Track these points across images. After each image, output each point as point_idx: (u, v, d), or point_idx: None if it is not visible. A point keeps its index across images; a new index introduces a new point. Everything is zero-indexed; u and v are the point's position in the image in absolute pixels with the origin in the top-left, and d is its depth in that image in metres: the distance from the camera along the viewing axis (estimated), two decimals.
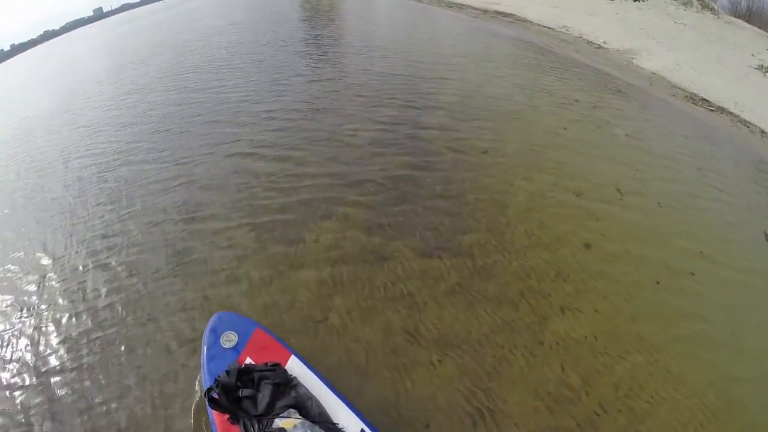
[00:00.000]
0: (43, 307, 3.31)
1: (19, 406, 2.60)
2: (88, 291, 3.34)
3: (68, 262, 3.74)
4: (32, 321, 3.20)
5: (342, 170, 4.35)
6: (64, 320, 3.14)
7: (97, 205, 4.59)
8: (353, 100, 6.28)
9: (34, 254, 3.98)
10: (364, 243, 3.32)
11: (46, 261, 3.83)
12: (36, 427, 2.47)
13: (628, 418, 2.35)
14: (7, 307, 3.42)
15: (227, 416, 2.03)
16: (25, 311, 3.32)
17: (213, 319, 2.54)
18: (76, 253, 3.83)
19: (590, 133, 5.25)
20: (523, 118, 5.54)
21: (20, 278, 3.72)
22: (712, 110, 7.48)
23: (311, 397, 2.10)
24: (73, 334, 3.01)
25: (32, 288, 3.54)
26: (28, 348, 2.99)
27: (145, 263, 3.50)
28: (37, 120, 9.43)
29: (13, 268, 3.88)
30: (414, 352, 2.57)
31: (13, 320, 3.27)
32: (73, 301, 3.28)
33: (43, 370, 2.79)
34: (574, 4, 13.45)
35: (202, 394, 2.17)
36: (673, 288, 3.16)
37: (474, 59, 8.25)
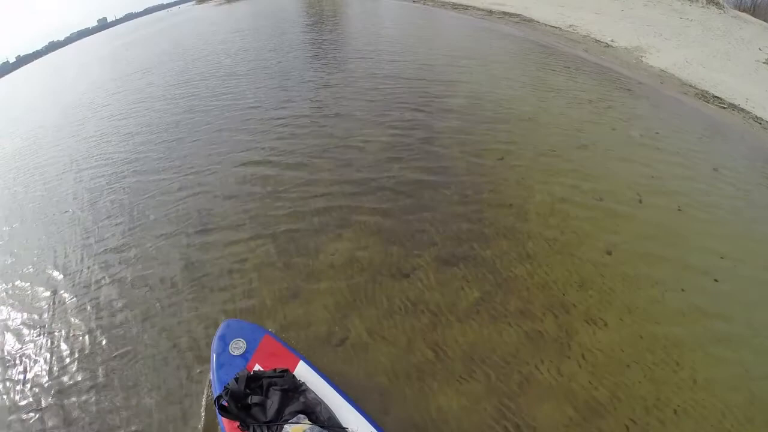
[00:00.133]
0: (55, 322, 3.28)
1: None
2: (100, 307, 3.31)
3: (80, 277, 3.71)
4: (44, 338, 3.17)
5: (356, 179, 4.29)
6: (76, 336, 3.11)
7: (107, 218, 4.56)
8: (363, 105, 6.22)
9: (45, 269, 3.95)
10: (382, 256, 3.24)
11: (57, 276, 3.80)
12: None
13: (658, 429, 2.28)
14: (19, 324, 3.39)
15: (237, 423, 2.03)
16: (37, 328, 3.28)
17: (222, 326, 2.55)
18: (88, 268, 3.79)
19: (606, 134, 5.17)
20: (537, 120, 5.46)
21: (32, 294, 3.69)
22: (723, 107, 7.37)
23: (320, 402, 2.10)
24: (86, 349, 2.99)
25: (44, 304, 3.51)
26: (42, 364, 2.96)
27: (157, 278, 3.46)
28: (44, 131, 9.44)
29: (24, 284, 3.85)
30: (439, 370, 2.50)
31: (26, 338, 3.23)
32: (85, 317, 3.25)
33: (57, 384, 2.77)
34: (579, 2, 13.36)
35: (212, 402, 2.16)
36: (696, 292, 3.08)
37: (483, 60, 8.18)
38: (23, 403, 2.73)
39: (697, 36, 11.41)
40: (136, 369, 2.77)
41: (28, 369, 2.98)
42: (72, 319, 3.31)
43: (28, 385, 2.84)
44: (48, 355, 3.03)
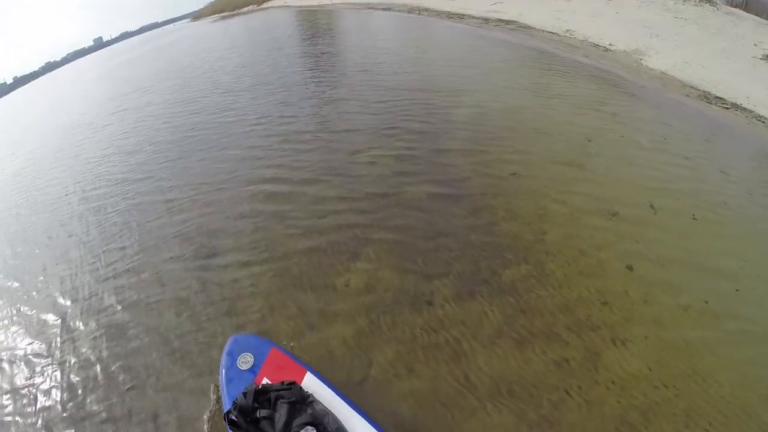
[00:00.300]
0: (63, 350, 3.25)
1: None
2: (108, 335, 3.26)
3: (87, 303, 3.67)
4: (52, 366, 3.13)
5: (366, 198, 4.23)
6: (84, 362, 3.09)
7: (113, 241, 4.53)
8: (368, 119, 6.17)
9: (50, 297, 3.90)
10: (398, 283, 3.16)
11: (64, 302, 3.77)
12: None
13: None
14: (26, 352, 3.35)
15: None
16: (44, 356, 3.25)
17: (229, 341, 2.58)
18: (96, 294, 3.75)
19: (614, 143, 5.13)
20: (544, 131, 5.41)
21: (38, 320, 3.65)
22: (726, 108, 7.35)
23: (328, 413, 2.09)
24: (96, 375, 2.96)
25: (51, 331, 3.48)
26: (51, 392, 2.95)
27: (165, 306, 3.41)
28: (45, 152, 9.47)
29: (30, 312, 3.81)
30: (465, 402, 2.43)
31: (34, 366, 3.20)
32: (93, 345, 3.21)
33: (69, 413, 2.74)
34: (573, 7, 13.40)
35: (222, 418, 2.16)
36: (718, 303, 3.02)
37: (484, 69, 8.17)
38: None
39: (693, 35, 11.44)
40: (149, 395, 2.75)
41: (37, 398, 2.95)
42: (80, 346, 3.27)
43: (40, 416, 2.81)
44: (57, 383, 3.00)
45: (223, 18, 40.83)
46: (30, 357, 3.32)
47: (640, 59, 8.95)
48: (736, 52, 10.50)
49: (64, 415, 2.78)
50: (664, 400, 2.46)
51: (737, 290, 3.18)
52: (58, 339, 3.39)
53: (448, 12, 15.06)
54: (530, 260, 3.27)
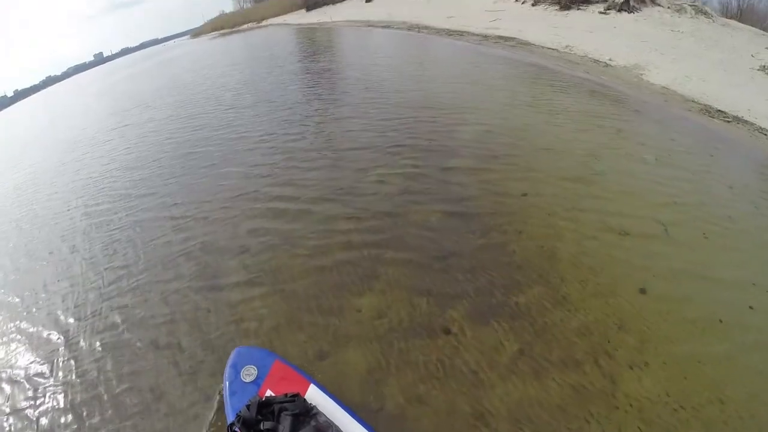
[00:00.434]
0: (64, 371, 3.19)
1: None
2: (105, 370, 3.15)
3: (81, 335, 3.55)
4: (48, 401, 3.04)
5: (375, 222, 4.17)
6: (87, 386, 3.03)
7: (108, 267, 4.43)
8: (373, 138, 6.16)
9: (44, 324, 3.81)
10: (411, 311, 3.09)
11: (58, 332, 3.67)
12: None
13: None
14: (25, 376, 3.27)
15: None
16: (44, 378, 3.19)
17: (233, 354, 2.60)
18: (91, 325, 3.64)
19: (621, 160, 5.13)
20: (550, 148, 5.41)
21: (38, 340, 3.59)
22: (728, 121, 7.39)
23: (331, 425, 2.10)
24: (100, 398, 2.92)
25: (52, 351, 3.41)
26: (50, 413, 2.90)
27: (168, 336, 3.32)
28: (46, 166, 9.46)
29: (31, 329, 3.75)
30: None
31: (34, 387, 3.14)
32: (96, 368, 3.15)
33: None
34: (570, 22, 13.61)
35: (226, 430, 2.17)
36: (733, 323, 2.99)
37: (486, 86, 8.23)
38: None
39: (691, 48, 11.58)
40: (153, 415, 2.73)
41: (38, 420, 2.89)
42: (83, 368, 3.21)
43: None
44: (58, 404, 2.96)
45: (223, 35, 41.31)
46: (31, 377, 3.26)
47: (641, 74, 9.02)
48: (733, 63, 10.63)
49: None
50: (682, 422, 2.42)
51: (751, 307, 3.15)
52: (56, 359, 3.32)
53: (447, 29, 15.24)
54: (544, 283, 3.23)
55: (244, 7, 50.42)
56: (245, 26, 41.70)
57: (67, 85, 50.43)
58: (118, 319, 3.63)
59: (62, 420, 2.85)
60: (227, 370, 2.51)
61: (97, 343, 3.42)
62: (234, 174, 5.94)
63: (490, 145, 5.60)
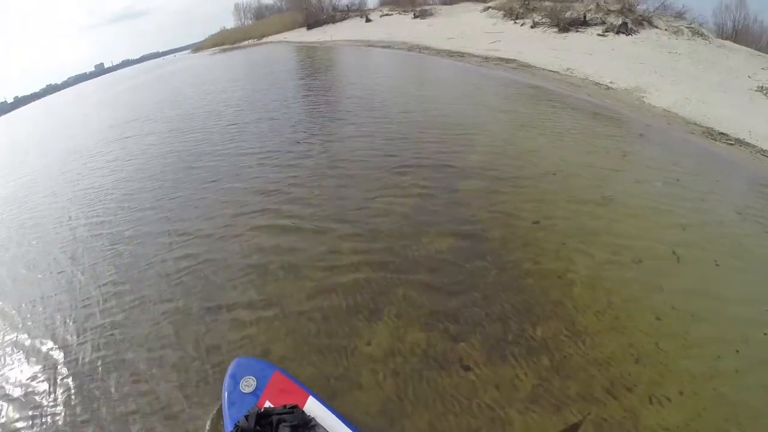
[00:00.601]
0: (55, 410, 3.02)
1: None
2: (105, 392, 3.04)
3: (80, 354, 3.43)
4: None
5: (384, 249, 4.08)
6: (78, 413, 2.91)
7: (106, 284, 4.31)
8: (380, 161, 6.09)
9: (40, 340, 3.70)
10: (424, 344, 3.00)
11: (54, 350, 3.56)
12: None
13: None
14: (17, 407, 3.11)
15: None
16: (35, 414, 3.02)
17: (232, 365, 2.61)
18: (89, 344, 3.52)
19: (630, 186, 5.11)
20: (560, 172, 5.39)
21: (24, 366, 3.46)
22: (731, 144, 7.45)
23: None
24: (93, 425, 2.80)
25: (38, 378, 3.28)
26: None
27: (163, 356, 3.23)
28: (41, 177, 9.36)
29: (18, 356, 3.61)
30: None
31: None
32: (89, 406, 2.98)
33: None
34: (568, 45, 13.82)
35: None
36: (750, 352, 2.94)
37: (491, 107, 8.27)
38: None
39: (689, 70, 11.75)
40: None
41: None
42: (80, 380, 3.14)
43: None
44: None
45: (224, 51, 41.67)
46: (28, 393, 3.17)
47: (642, 97, 9.11)
48: (732, 85, 10.78)
49: None
50: None
51: (766, 334, 3.09)
52: (44, 388, 3.19)
53: (448, 50, 15.44)
54: (560, 314, 3.16)
55: (245, 23, 51.04)
56: (246, 43, 42.10)
57: (68, 94, 50.53)
58: (117, 334, 3.54)
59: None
60: (226, 381, 2.52)
61: (95, 355, 3.35)
62: (238, 191, 5.87)
63: (498, 166, 5.58)
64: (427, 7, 29.58)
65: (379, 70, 14.81)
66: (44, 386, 3.19)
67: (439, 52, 15.72)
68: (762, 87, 10.57)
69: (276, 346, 3.18)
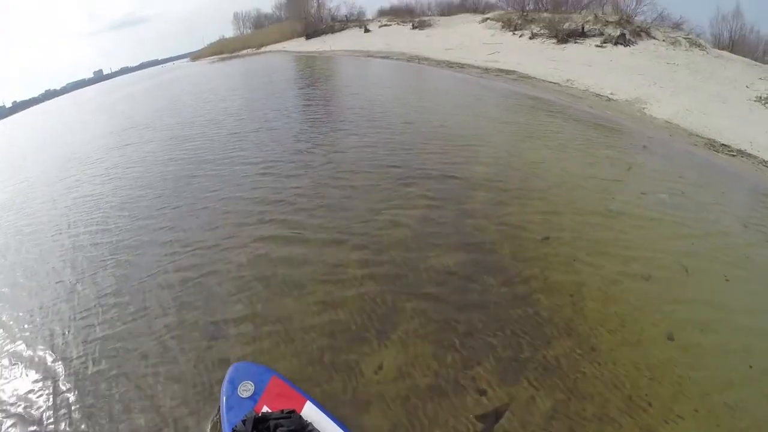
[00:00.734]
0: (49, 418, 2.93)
1: None
2: (105, 402, 2.94)
3: (79, 366, 3.32)
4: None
5: (391, 267, 3.97)
6: (78, 418, 2.84)
7: (105, 295, 4.16)
8: (384, 173, 5.99)
9: (39, 350, 3.59)
10: (436, 367, 2.89)
11: (52, 362, 3.44)
12: None
13: None
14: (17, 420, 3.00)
15: None
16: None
17: (230, 370, 2.60)
18: (89, 356, 3.40)
19: (636, 199, 5.09)
20: (564, 183, 5.36)
21: (25, 384, 3.30)
22: (733, 155, 7.48)
23: None
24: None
25: (36, 391, 3.16)
26: None
27: (164, 378, 3.09)
28: (38, 183, 9.17)
29: (16, 369, 3.48)
30: None
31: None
32: (89, 417, 2.88)
33: None
34: (567, 56, 13.91)
35: None
36: (764, 369, 2.89)
37: (493, 120, 8.26)
38: None
39: (687, 81, 11.82)
40: None
41: None
42: (79, 388, 3.06)
43: None
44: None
45: (222, 60, 41.71)
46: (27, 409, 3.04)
47: (643, 108, 9.15)
48: (730, 95, 10.84)
49: None
50: None
51: None
52: (42, 403, 3.06)
53: (447, 61, 15.51)
54: (572, 334, 3.10)
55: (244, 32, 51.25)
56: (244, 52, 42.20)
57: (66, 100, 50.34)
58: (115, 349, 3.43)
59: None
60: (224, 385, 2.51)
61: (96, 369, 3.26)
62: (240, 201, 5.77)
63: (503, 178, 5.55)
64: (425, 18, 29.89)
65: (379, 80, 14.83)
66: (43, 399, 3.08)
67: (439, 63, 15.78)
68: (760, 97, 10.64)
69: (280, 364, 3.01)
